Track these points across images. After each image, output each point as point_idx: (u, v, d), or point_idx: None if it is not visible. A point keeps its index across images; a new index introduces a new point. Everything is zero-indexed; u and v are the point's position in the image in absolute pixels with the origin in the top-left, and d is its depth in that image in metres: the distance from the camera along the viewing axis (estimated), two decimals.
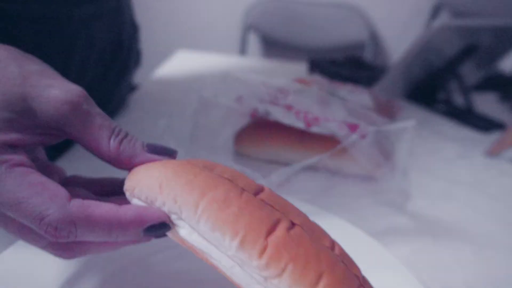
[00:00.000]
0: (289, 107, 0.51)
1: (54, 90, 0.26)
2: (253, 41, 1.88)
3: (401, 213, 0.48)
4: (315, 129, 0.50)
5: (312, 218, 0.29)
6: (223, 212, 0.25)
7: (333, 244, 0.28)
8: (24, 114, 0.26)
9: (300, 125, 0.49)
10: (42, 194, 0.24)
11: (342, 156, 0.55)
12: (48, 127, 0.27)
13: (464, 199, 0.52)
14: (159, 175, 0.27)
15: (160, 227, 0.26)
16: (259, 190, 0.28)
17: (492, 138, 0.68)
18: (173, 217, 0.27)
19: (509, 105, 0.87)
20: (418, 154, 0.62)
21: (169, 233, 0.27)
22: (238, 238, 0.24)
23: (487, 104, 0.84)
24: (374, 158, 0.45)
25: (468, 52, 0.77)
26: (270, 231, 0.25)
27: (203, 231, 0.25)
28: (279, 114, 0.50)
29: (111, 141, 0.28)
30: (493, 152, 0.64)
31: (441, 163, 0.61)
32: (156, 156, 0.29)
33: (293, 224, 0.26)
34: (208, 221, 0.25)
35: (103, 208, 0.25)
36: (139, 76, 0.76)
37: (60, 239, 0.25)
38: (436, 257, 0.42)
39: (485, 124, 0.74)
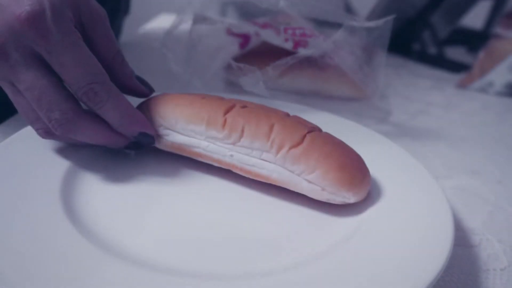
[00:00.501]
0: (277, 30, 0.54)
1: (94, 3, 0.33)
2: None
3: (383, 123, 0.53)
4: (301, 51, 0.53)
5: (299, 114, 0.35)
6: (190, 109, 0.33)
7: (287, 114, 0.34)
8: (77, 6, 0.31)
9: (288, 46, 0.53)
10: (95, 61, 0.31)
11: (329, 79, 0.59)
12: (79, 25, 0.31)
13: (439, 114, 0.57)
14: (162, 102, 0.35)
15: (147, 136, 0.33)
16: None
17: (462, 77, 0.74)
18: (160, 128, 0.34)
19: (475, 56, 0.93)
20: (395, 86, 0.67)
21: (159, 145, 0.35)
22: (204, 122, 0.33)
23: (456, 55, 0.89)
24: (354, 65, 0.49)
25: (437, 1, 0.83)
26: (226, 111, 0.33)
27: (181, 129, 0.34)
28: (268, 36, 0.53)
29: (116, 55, 0.34)
30: (463, 84, 0.69)
31: (417, 92, 0.66)
32: (140, 85, 0.36)
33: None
34: (181, 120, 0.33)
35: (127, 101, 0.32)
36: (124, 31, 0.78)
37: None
38: (415, 149, 0.46)
39: (455, 67, 0.79)
